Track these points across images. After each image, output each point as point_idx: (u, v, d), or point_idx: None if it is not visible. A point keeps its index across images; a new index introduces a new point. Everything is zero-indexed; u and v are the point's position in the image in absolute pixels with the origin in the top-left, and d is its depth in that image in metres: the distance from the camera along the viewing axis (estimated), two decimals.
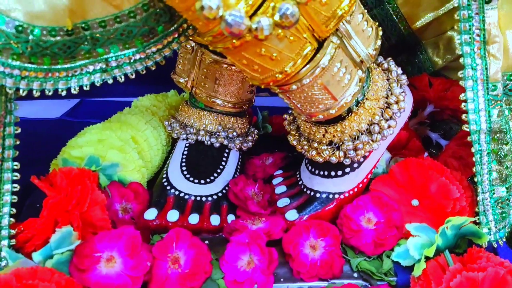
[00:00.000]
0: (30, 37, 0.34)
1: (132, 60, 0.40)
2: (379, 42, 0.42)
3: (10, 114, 0.38)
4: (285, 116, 0.51)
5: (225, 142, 0.56)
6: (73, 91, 0.39)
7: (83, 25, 0.37)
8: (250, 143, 0.59)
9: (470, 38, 0.38)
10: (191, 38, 0.47)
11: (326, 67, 0.37)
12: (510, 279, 0.37)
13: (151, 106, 0.63)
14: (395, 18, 0.55)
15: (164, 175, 0.53)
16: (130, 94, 0.79)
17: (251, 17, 0.31)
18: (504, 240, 0.44)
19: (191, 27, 0.40)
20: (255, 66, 0.37)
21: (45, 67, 0.36)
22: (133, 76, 0.41)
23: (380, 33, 0.42)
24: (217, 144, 0.55)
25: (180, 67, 0.56)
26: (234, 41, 0.34)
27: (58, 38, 0.36)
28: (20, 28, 0.34)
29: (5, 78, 0.35)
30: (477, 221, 0.42)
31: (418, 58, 0.57)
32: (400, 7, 0.54)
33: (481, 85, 0.39)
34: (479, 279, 0.37)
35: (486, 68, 0.38)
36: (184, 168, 0.53)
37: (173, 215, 0.48)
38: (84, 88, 0.40)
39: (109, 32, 0.38)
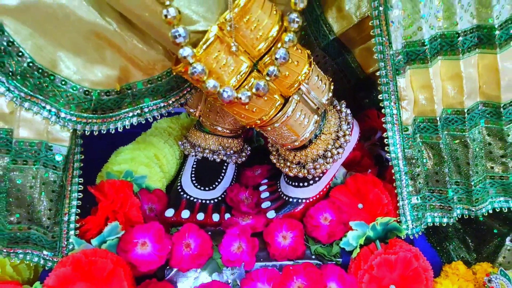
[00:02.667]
0: (93, 97, 0.52)
1: (158, 107, 0.58)
2: (330, 94, 0.59)
3: (77, 146, 0.56)
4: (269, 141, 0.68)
5: (224, 158, 0.73)
6: (119, 129, 0.57)
7: (127, 87, 0.55)
8: (244, 158, 0.76)
9: (388, 96, 0.54)
10: None
11: (290, 115, 0.54)
12: (414, 261, 0.54)
13: (167, 127, 0.81)
14: (353, 66, 0.72)
15: (178, 184, 0.71)
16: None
17: (237, 89, 0.49)
18: (420, 234, 0.61)
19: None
20: (242, 115, 0.54)
21: (102, 115, 0.54)
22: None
23: (332, 87, 0.59)
24: (218, 160, 0.73)
25: (191, 101, 0.74)
26: None
27: (110, 96, 0.54)
28: (86, 92, 0.52)
29: (77, 124, 0.53)
30: (399, 220, 0.60)
31: (372, 95, 0.74)
32: (356, 57, 0.71)
33: (397, 127, 0.56)
34: (393, 260, 0.54)
35: (400, 116, 0.55)
36: (193, 178, 0.71)
37: (185, 214, 0.66)
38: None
39: (143, 90, 0.56)
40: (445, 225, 0.62)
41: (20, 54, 0.47)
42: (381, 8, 0.50)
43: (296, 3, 0.47)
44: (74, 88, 0.51)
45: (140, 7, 0.44)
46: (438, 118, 0.55)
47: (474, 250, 0.67)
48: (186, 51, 0.45)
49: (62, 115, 0.51)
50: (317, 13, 0.68)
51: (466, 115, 0.55)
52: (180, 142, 0.75)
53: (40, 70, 0.49)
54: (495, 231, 0.65)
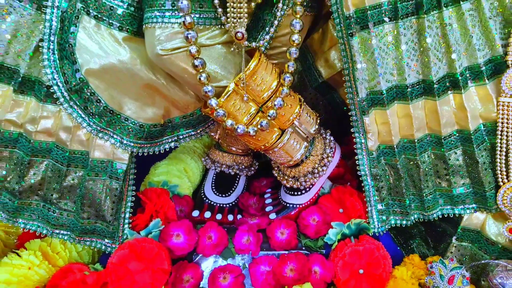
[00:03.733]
0: (145, 129, 0.73)
1: (189, 135, 0.79)
2: (317, 126, 0.78)
3: (132, 163, 0.77)
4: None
5: (237, 172, 0.94)
6: (161, 151, 0.78)
7: (168, 121, 0.75)
8: (253, 171, 0.96)
9: (357, 129, 0.74)
10: None
11: (286, 142, 0.74)
12: (376, 251, 0.73)
13: (193, 146, 1.01)
14: (338, 101, 0.91)
15: (202, 191, 0.91)
16: None
17: (247, 125, 0.69)
18: (385, 232, 0.79)
19: None
20: (250, 142, 0.74)
21: (150, 141, 0.75)
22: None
23: (318, 120, 0.79)
24: (232, 173, 0.93)
25: (212, 127, 0.94)
26: None
27: (157, 128, 0.74)
28: (141, 126, 0.73)
29: (133, 148, 0.74)
30: (368, 222, 0.78)
31: None
32: (340, 95, 0.90)
33: (365, 152, 0.75)
34: (360, 250, 0.73)
35: (367, 144, 0.74)
36: (213, 187, 0.91)
37: (207, 214, 0.86)
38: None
39: (179, 123, 0.76)
40: (410, 226, 0.81)
41: (98, 100, 0.68)
42: (350, 69, 0.69)
43: (289, 66, 0.67)
44: (133, 123, 0.72)
45: (181, 71, 0.65)
46: (395, 146, 0.74)
47: (433, 247, 0.86)
48: (213, 101, 0.65)
49: (124, 141, 0.72)
50: (310, 62, 0.88)
51: (416, 143, 0.74)
52: (203, 159, 0.96)
53: (111, 111, 0.70)
54: (448, 232, 0.83)
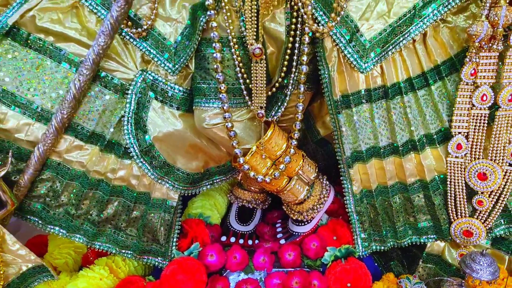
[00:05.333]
0: (190, 177, 1.00)
1: (222, 180, 1.06)
2: (315, 174, 1.05)
3: (180, 201, 1.04)
4: None
5: (255, 206, 1.20)
6: (200, 192, 1.05)
7: (206, 170, 1.03)
8: (267, 205, 1.22)
9: (344, 178, 0.99)
10: None
11: (292, 187, 1.00)
12: (359, 270, 0.97)
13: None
14: (333, 152, 1.18)
15: (228, 221, 1.17)
16: None
17: (265, 176, 0.96)
18: (368, 255, 1.04)
19: None
20: (266, 186, 1.01)
21: (193, 185, 1.02)
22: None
23: (317, 169, 1.05)
24: (251, 207, 1.19)
25: (237, 173, 1.21)
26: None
27: (198, 176, 1.01)
28: (187, 174, 1.00)
29: (181, 190, 1.01)
30: (354, 247, 1.03)
31: None
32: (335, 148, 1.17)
33: (351, 194, 1.00)
34: (348, 269, 0.98)
35: (352, 189, 1.00)
36: (236, 218, 1.18)
37: (232, 239, 1.12)
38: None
39: (215, 171, 1.04)
40: (389, 250, 1.05)
41: (160, 157, 0.96)
42: (338, 136, 0.96)
43: (295, 134, 0.94)
44: (182, 173, 0.99)
45: (220, 138, 0.93)
46: (373, 190, 1.00)
47: (407, 267, 1.10)
48: (241, 160, 0.93)
49: (176, 186, 1.00)
50: (311, 123, 1.15)
51: (389, 189, 1.00)
52: (228, 195, 1.23)
53: (168, 165, 0.98)
54: (418, 256, 1.07)
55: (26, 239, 1.19)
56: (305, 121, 1.18)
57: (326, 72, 0.91)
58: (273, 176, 0.97)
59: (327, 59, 0.90)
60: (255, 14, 0.85)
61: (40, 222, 0.97)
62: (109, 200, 0.99)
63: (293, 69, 0.92)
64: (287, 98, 0.96)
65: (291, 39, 0.89)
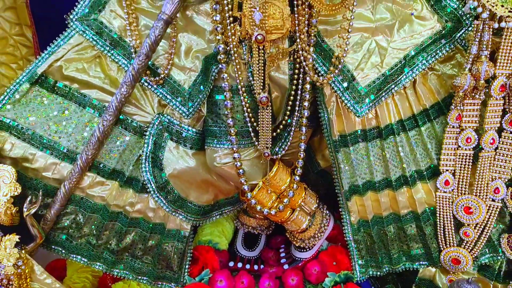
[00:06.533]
0: (202, 209, 1.09)
1: (230, 210, 1.15)
2: (316, 204, 1.14)
3: (191, 231, 1.12)
4: None
5: (260, 232, 1.28)
6: (209, 222, 1.14)
7: (216, 202, 1.12)
8: (271, 231, 1.31)
9: (343, 210, 1.08)
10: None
11: (295, 218, 1.09)
12: None
13: None
14: (332, 182, 1.27)
15: (235, 247, 1.26)
16: None
17: (270, 209, 1.05)
18: (365, 280, 1.12)
19: None
20: (271, 217, 1.10)
21: (204, 216, 1.11)
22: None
23: (318, 200, 1.14)
24: (256, 233, 1.28)
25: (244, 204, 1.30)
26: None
27: (208, 207, 1.10)
28: (199, 207, 1.09)
29: (193, 221, 1.09)
30: (353, 272, 1.12)
31: None
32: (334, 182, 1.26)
33: (349, 224, 1.09)
34: None
35: (350, 219, 1.09)
36: (242, 244, 1.26)
37: (239, 264, 1.20)
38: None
39: (224, 203, 1.13)
40: (385, 275, 1.14)
41: (174, 192, 1.05)
42: (337, 171, 1.05)
43: (297, 170, 1.04)
44: (194, 205, 1.08)
45: (229, 175, 1.02)
46: (370, 220, 1.09)
47: None
48: (248, 195, 1.02)
49: (188, 217, 1.08)
50: (312, 156, 1.24)
51: (384, 219, 1.08)
52: (234, 221, 1.31)
53: (182, 199, 1.06)
54: (412, 280, 1.16)
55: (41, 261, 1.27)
56: (306, 154, 1.27)
57: (326, 115, 1.01)
58: (277, 209, 1.06)
59: (326, 103, 1.00)
60: (262, 66, 0.94)
61: (63, 251, 1.05)
62: (127, 231, 1.07)
63: (296, 113, 1.01)
64: (290, 136, 1.05)
65: (294, 87, 0.98)
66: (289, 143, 1.06)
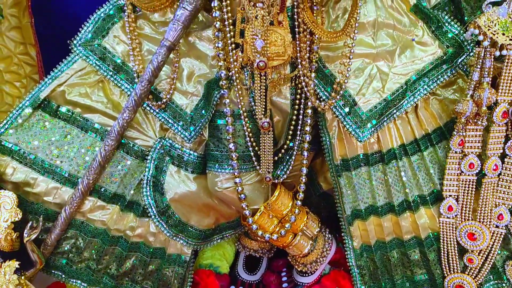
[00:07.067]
0: (203, 233, 1.08)
1: (231, 234, 1.14)
2: (318, 229, 1.13)
3: (192, 255, 1.11)
4: None
5: (261, 255, 1.27)
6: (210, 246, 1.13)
7: (217, 225, 1.11)
8: (272, 254, 1.30)
9: (345, 234, 1.07)
10: None
11: (297, 242, 1.08)
12: None
13: None
14: (334, 204, 1.26)
15: (236, 270, 1.24)
16: None
17: (271, 234, 1.04)
18: None
19: None
20: (273, 242, 1.08)
21: (205, 240, 1.10)
22: None
23: (320, 223, 1.13)
24: (258, 256, 1.27)
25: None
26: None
27: (210, 232, 1.10)
28: (200, 231, 1.08)
29: (194, 246, 1.08)
30: None
31: None
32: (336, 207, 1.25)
33: (352, 249, 1.08)
34: None
35: (352, 244, 1.07)
36: (244, 267, 1.25)
37: None
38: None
39: (226, 227, 1.12)
40: None
41: (175, 216, 1.05)
42: (339, 196, 1.05)
43: (299, 194, 1.03)
44: (195, 229, 1.07)
45: (231, 200, 1.02)
46: (373, 246, 1.07)
47: None
48: (250, 220, 1.01)
49: (189, 242, 1.07)
50: (314, 178, 1.24)
51: (387, 244, 1.07)
52: (235, 244, 1.30)
53: (182, 223, 1.06)
54: None
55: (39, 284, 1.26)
56: (308, 176, 1.26)
57: (328, 140, 1.01)
58: (279, 234, 1.05)
59: (328, 128, 1.00)
60: (264, 92, 0.95)
61: (63, 276, 1.04)
62: (128, 255, 1.06)
63: (298, 137, 1.01)
64: (292, 160, 1.05)
65: (295, 111, 0.99)
66: (291, 167, 1.05)
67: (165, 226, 1.05)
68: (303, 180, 1.03)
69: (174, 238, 1.06)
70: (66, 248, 1.03)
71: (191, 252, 1.09)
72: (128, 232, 1.06)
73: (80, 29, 1.01)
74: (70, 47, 1.00)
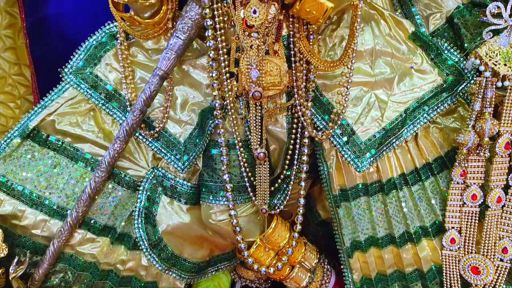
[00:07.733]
0: (196, 265, 1.04)
1: (227, 266, 1.10)
2: (317, 260, 1.09)
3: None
4: None
5: (258, 285, 1.23)
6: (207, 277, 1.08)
7: (211, 258, 1.07)
8: (269, 284, 1.25)
9: (345, 267, 1.04)
10: None
11: (295, 275, 1.04)
12: None
13: None
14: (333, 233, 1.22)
15: None
16: None
17: (268, 267, 1.00)
18: None
19: None
20: (270, 275, 1.04)
21: (198, 273, 1.06)
22: None
23: (318, 255, 1.10)
24: (254, 286, 1.22)
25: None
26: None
27: (203, 264, 1.06)
28: (193, 264, 1.04)
29: (187, 280, 1.05)
30: None
31: None
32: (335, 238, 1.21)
33: (351, 282, 1.04)
34: None
35: (352, 277, 1.04)
36: None
37: None
38: None
39: (220, 258, 1.08)
40: None
41: (168, 249, 1.01)
42: (338, 228, 1.01)
43: (297, 227, 0.99)
44: (189, 262, 1.04)
45: (225, 232, 0.98)
46: (373, 278, 1.03)
47: None
48: (245, 253, 0.97)
49: (182, 275, 1.03)
50: (312, 205, 1.20)
51: (388, 277, 1.03)
52: (231, 274, 1.26)
53: (175, 256, 1.02)
54: None
55: None
56: (306, 203, 1.23)
57: (326, 169, 0.97)
58: (276, 267, 1.01)
59: (326, 157, 0.97)
60: (259, 122, 0.92)
61: None
62: None
63: (294, 166, 0.98)
64: (289, 189, 1.02)
65: (292, 140, 0.96)
66: (288, 196, 1.02)
67: (157, 260, 1.01)
68: (301, 211, 0.99)
69: (167, 272, 1.02)
70: (54, 282, 0.99)
71: (184, 286, 1.05)
72: (118, 265, 1.02)
73: (71, 56, 0.99)
74: (60, 75, 0.98)
